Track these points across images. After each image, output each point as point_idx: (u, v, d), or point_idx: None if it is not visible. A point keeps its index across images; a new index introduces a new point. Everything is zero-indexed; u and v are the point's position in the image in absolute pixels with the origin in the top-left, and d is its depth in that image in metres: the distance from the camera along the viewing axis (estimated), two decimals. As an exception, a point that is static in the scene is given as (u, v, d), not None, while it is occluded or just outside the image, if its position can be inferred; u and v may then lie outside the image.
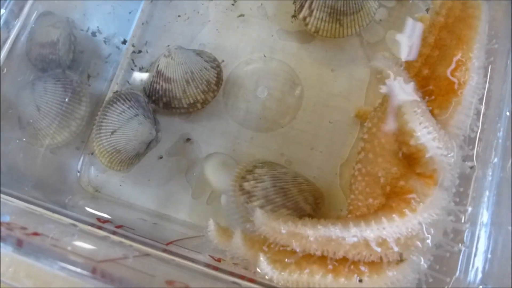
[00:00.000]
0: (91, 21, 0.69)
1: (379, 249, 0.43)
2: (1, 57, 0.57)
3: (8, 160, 0.55)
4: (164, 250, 0.44)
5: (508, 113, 0.47)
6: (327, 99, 0.66)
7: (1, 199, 0.44)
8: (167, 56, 0.62)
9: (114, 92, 0.64)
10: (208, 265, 0.43)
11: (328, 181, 0.63)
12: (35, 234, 0.36)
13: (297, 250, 0.45)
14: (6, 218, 0.38)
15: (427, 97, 0.46)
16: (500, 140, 0.47)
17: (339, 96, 0.66)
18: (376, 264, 0.45)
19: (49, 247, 0.36)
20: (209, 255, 0.47)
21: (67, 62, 0.66)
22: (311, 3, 0.64)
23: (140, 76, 0.68)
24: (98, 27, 0.69)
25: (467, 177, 0.47)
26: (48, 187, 0.59)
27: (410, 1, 0.68)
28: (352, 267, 0.45)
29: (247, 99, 0.67)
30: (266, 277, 0.45)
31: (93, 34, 0.69)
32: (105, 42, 0.69)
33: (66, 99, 0.63)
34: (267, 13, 0.70)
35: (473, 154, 0.48)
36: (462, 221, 0.45)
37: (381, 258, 0.44)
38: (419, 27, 0.53)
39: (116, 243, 0.42)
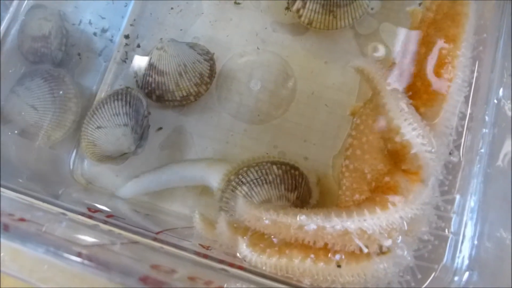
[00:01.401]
0: (83, 14, 0.69)
1: (358, 240, 0.43)
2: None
3: (2, 152, 0.55)
4: (154, 239, 0.44)
5: (495, 101, 0.47)
6: (321, 91, 0.66)
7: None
8: (160, 49, 0.62)
9: (127, 87, 0.63)
10: (197, 253, 0.43)
11: (321, 173, 0.63)
12: (22, 220, 0.36)
13: (278, 238, 0.45)
14: None
15: (410, 93, 0.46)
16: (487, 129, 0.47)
17: (332, 88, 0.66)
18: (356, 254, 0.45)
19: (36, 232, 0.35)
20: (199, 244, 0.47)
21: (59, 56, 0.65)
22: (304, -6, 0.64)
23: (133, 68, 0.68)
24: (90, 20, 0.69)
25: (455, 165, 0.47)
26: (42, 179, 0.59)
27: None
28: (331, 254, 0.45)
29: (240, 91, 0.67)
30: (245, 260, 0.45)
31: (85, 27, 0.69)
32: (97, 35, 0.69)
33: (57, 97, 0.63)
34: (261, 6, 0.70)
35: (460, 143, 0.47)
36: (449, 209, 0.45)
37: (360, 249, 0.44)
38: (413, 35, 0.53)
39: (105, 232, 0.41)
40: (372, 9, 0.67)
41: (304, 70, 0.67)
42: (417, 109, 0.46)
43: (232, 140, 0.65)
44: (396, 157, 0.46)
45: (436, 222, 0.45)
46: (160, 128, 0.65)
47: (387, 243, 0.43)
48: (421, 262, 0.44)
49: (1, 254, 0.32)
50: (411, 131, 0.44)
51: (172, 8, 0.71)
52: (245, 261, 0.45)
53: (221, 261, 0.43)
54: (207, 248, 0.46)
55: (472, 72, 0.48)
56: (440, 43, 0.46)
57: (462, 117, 0.47)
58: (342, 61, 0.67)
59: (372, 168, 0.46)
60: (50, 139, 0.63)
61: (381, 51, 0.66)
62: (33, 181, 0.56)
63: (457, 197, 0.46)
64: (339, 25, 0.65)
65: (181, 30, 0.70)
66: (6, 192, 0.45)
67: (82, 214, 0.44)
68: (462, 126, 0.48)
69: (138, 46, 0.70)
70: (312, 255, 0.45)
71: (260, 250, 0.45)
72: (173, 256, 0.41)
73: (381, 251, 0.44)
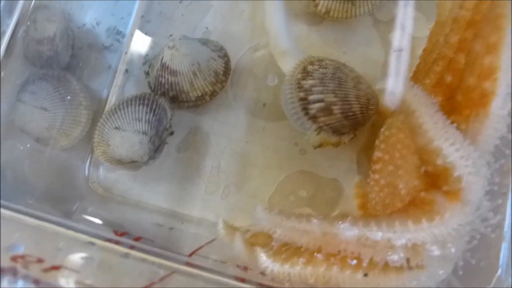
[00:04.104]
0: (88, 13, 0.65)
1: (387, 252, 0.41)
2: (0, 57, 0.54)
3: (13, 168, 0.53)
4: (187, 263, 0.42)
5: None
6: (341, 83, 0.63)
7: (8, 216, 0.41)
8: (171, 48, 0.59)
9: (155, 94, 0.60)
10: (235, 278, 0.41)
11: (345, 169, 0.61)
12: (54, 268, 0.34)
13: (301, 245, 0.44)
14: (19, 248, 0.36)
15: (449, 109, 0.43)
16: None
17: (353, 80, 0.63)
18: (383, 265, 0.43)
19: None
20: (236, 266, 0.45)
21: (66, 59, 0.62)
22: (321, -18, 0.60)
23: (144, 69, 0.65)
24: (96, 18, 0.66)
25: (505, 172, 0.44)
26: (55, 194, 0.57)
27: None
28: (357, 262, 0.43)
29: (256, 87, 0.64)
30: (266, 271, 0.43)
31: (92, 27, 0.66)
32: (104, 35, 0.66)
33: (64, 93, 0.60)
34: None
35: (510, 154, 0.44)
36: (497, 217, 0.42)
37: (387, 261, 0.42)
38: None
39: (138, 260, 0.39)
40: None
41: (323, 62, 0.64)
42: (457, 126, 0.42)
43: (251, 139, 0.62)
44: (435, 177, 0.43)
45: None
46: (172, 133, 0.62)
47: (417, 258, 0.41)
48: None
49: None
50: (454, 153, 0.40)
51: (180, 2, 0.67)
52: (266, 273, 0.43)
53: (260, 284, 0.41)
54: (245, 269, 0.45)
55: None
56: (481, 52, 0.42)
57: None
58: (362, 50, 0.64)
59: (407, 184, 0.43)
60: (69, 137, 0.60)
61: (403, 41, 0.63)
62: (46, 198, 0.54)
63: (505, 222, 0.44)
64: (358, 12, 0.62)
65: (191, 24, 0.66)
66: (24, 220, 0.42)
67: (109, 240, 0.42)
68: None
69: (145, 43, 0.66)
70: (337, 263, 0.43)
71: (282, 260, 0.43)
72: (210, 282, 0.40)
73: (409, 266, 0.42)
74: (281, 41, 0.59)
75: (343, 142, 0.56)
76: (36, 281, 0.31)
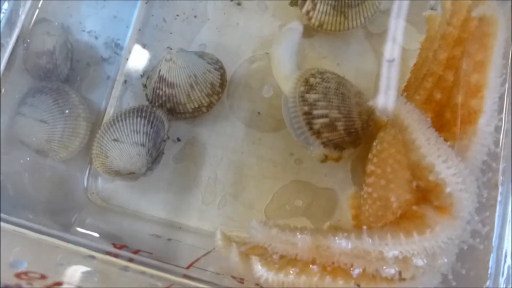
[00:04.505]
0: (87, 26, 0.66)
1: (378, 264, 0.42)
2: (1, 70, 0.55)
3: (14, 182, 0.54)
4: (185, 276, 0.43)
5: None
6: (335, 95, 0.64)
7: (9, 229, 0.42)
8: (169, 60, 0.60)
9: (152, 106, 0.61)
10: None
11: (340, 178, 0.62)
12: (57, 284, 0.35)
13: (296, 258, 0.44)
14: (22, 264, 0.37)
15: (438, 125, 0.44)
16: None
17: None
18: (375, 276, 0.44)
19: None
20: (231, 276, 0.46)
21: (65, 71, 0.63)
22: (314, -4, 0.61)
23: (142, 81, 0.66)
24: (95, 32, 0.67)
25: (489, 199, 0.45)
26: (54, 206, 0.58)
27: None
28: (350, 272, 0.44)
29: (252, 99, 0.65)
30: (260, 280, 0.44)
31: (90, 39, 0.67)
32: (102, 47, 0.67)
33: (63, 106, 0.61)
34: (268, 9, 0.68)
35: (498, 168, 0.46)
36: (485, 229, 0.44)
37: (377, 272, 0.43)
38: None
39: (137, 273, 0.40)
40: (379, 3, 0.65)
41: (317, 73, 0.65)
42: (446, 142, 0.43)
43: (247, 149, 0.64)
44: (427, 192, 0.44)
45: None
46: (168, 138, 0.63)
47: (408, 272, 0.42)
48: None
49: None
50: (446, 170, 0.41)
51: (177, 15, 0.69)
52: (260, 282, 0.44)
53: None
54: (241, 281, 0.46)
55: (502, 98, 0.45)
56: (469, 69, 0.43)
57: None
58: (355, 62, 0.65)
59: (399, 198, 0.44)
60: (68, 149, 0.61)
61: (394, 51, 0.65)
62: (45, 211, 0.55)
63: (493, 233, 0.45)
64: (351, 25, 0.63)
65: (187, 37, 0.68)
66: (25, 233, 0.43)
67: (109, 254, 0.43)
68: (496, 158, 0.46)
69: (142, 55, 0.68)
70: (330, 273, 0.44)
71: (276, 269, 0.44)
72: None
73: (401, 277, 0.43)
74: (284, 67, 0.60)
75: (344, 157, 0.57)
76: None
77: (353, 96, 0.56)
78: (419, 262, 0.42)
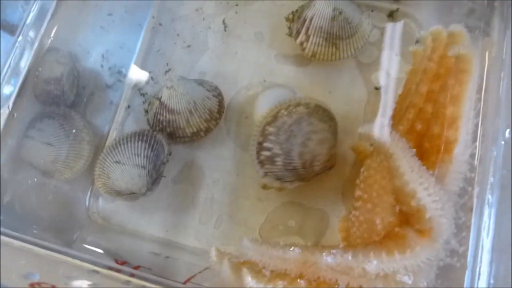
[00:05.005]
0: (93, 54, 0.70)
1: (361, 280, 0.45)
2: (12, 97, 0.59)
3: (22, 201, 0.57)
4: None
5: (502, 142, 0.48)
6: (327, 121, 0.67)
7: (16, 245, 0.45)
8: (170, 88, 0.64)
9: (152, 127, 0.65)
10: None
11: (331, 199, 0.65)
12: None
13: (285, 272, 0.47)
14: (35, 276, 0.39)
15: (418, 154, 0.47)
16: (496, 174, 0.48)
17: (338, 117, 0.67)
18: None
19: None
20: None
21: (71, 97, 0.67)
22: (308, 29, 0.65)
23: (144, 107, 0.70)
24: (100, 60, 0.71)
25: (468, 208, 0.48)
26: (58, 224, 0.61)
27: (402, 21, 0.70)
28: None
29: (248, 124, 0.68)
30: None
31: (95, 67, 0.71)
32: (107, 74, 0.71)
33: (68, 130, 0.65)
34: (264, 39, 0.72)
35: (472, 193, 0.49)
36: (462, 248, 0.47)
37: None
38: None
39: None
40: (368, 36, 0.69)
41: (310, 100, 0.69)
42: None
43: (242, 172, 0.67)
44: (409, 216, 0.47)
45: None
46: (167, 161, 0.66)
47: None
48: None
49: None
50: (427, 197, 0.44)
51: (178, 44, 0.73)
52: None
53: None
54: None
55: (476, 126, 0.49)
56: (445, 102, 0.47)
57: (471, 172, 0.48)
58: (346, 90, 0.69)
59: (383, 220, 0.47)
60: (72, 170, 0.65)
61: (382, 80, 0.68)
62: (49, 229, 0.57)
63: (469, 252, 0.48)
64: (342, 55, 0.67)
65: (188, 65, 0.72)
66: (33, 249, 0.46)
67: (111, 269, 0.46)
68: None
69: (144, 82, 0.71)
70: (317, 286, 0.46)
71: (265, 281, 0.46)
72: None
73: None
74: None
75: (287, 188, 0.61)
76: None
77: (303, 135, 0.58)
78: (406, 279, 0.45)
